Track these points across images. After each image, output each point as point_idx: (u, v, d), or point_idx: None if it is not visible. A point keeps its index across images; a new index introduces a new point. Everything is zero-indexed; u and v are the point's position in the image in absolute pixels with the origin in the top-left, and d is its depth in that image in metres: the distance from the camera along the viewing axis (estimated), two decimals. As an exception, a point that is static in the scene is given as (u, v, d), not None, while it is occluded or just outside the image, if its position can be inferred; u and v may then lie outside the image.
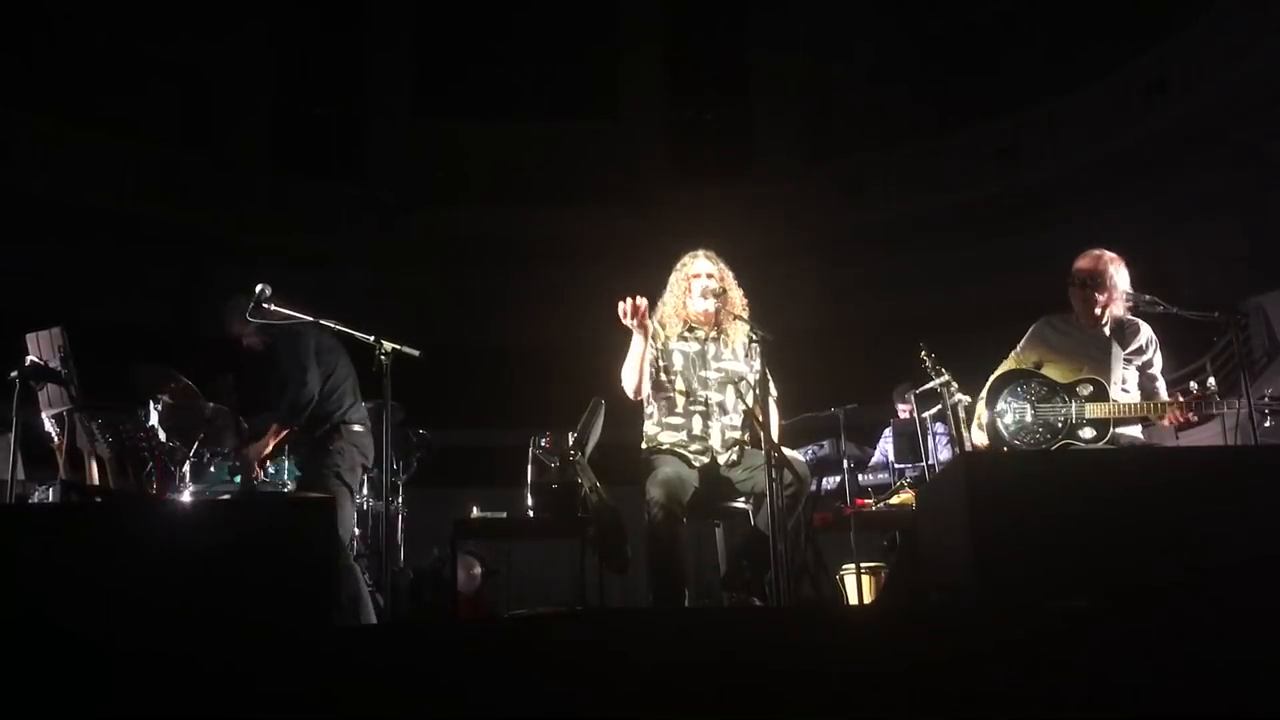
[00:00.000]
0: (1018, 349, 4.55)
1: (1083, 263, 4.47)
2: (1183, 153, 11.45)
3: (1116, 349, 4.39)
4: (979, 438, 4.45)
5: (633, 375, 4.28)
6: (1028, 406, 4.30)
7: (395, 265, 13.34)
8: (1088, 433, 4.24)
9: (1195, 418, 4.29)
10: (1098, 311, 4.42)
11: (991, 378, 4.43)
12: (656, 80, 14.82)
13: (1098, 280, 4.40)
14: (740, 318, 4.34)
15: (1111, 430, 4.24)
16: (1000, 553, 3.00)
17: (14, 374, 4.63)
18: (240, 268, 9.96)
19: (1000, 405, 4.34)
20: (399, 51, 14.63)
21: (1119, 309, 4.44)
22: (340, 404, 4.73)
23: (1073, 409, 4.25)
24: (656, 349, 4.39)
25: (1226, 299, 7.48)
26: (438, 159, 14.01)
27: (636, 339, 4.24)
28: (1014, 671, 2.68)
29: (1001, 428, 4.31)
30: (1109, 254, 4.47)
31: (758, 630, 3.01)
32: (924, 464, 6.01)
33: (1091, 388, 4.29)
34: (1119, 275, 4.42)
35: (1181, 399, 4.25)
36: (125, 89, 13.08)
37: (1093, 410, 4.24)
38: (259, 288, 4.48)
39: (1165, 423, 4.33)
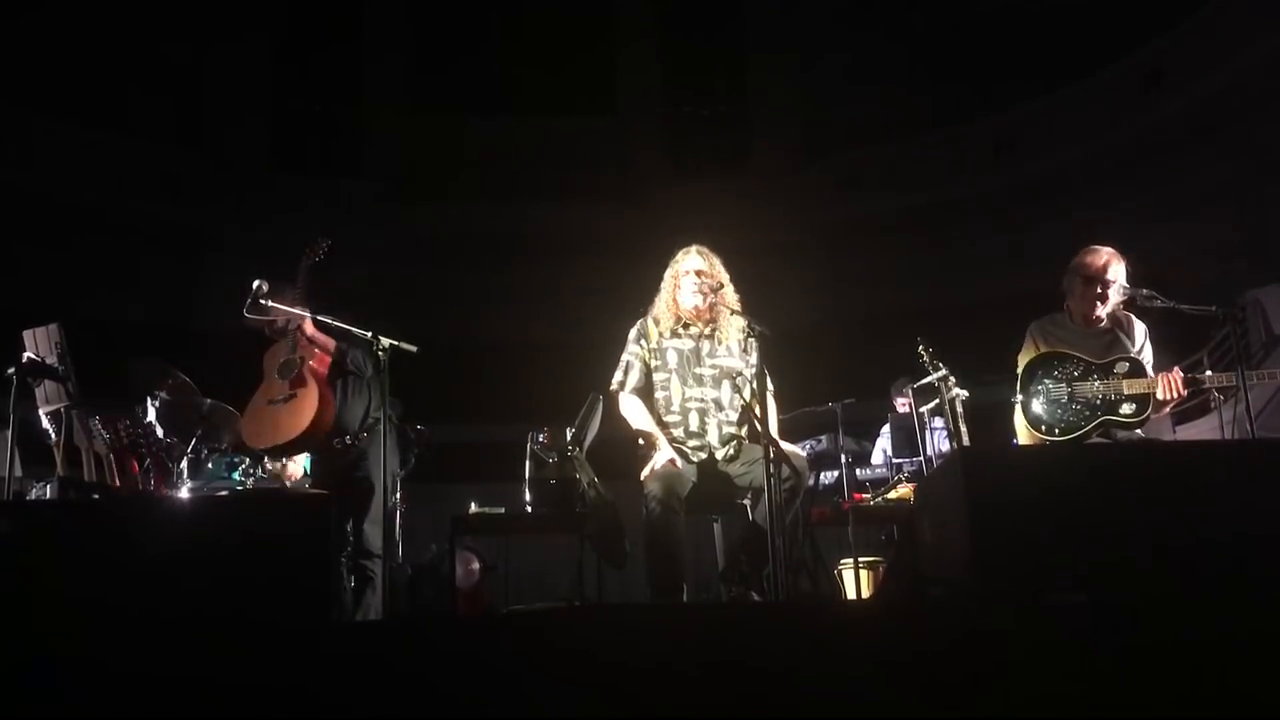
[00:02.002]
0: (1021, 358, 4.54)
1: (1092, 260, 4.44)
2: (1180, 146, 11.45)
3: (1127, 344, 4.39)
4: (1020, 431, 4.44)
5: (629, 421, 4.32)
6: (1064, 386, 4.30)
7: (392, 261, 13.33)
8: (1127, 408, 4.24)
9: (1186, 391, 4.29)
10: (1100, 312, 4.42)
11: (1022, 366, 4.40)
12: (654, 76, 14.81)
13: (1107, 279, 4.39)
14: (737, 313, 4.34)
15: (1151, 405, 4.22)
16: (998, 547, 3.01)
17: (11, 370, 4.63)
18: (237, 263, 9.95)
19: (1035, 388, 4.33)
20: (396, 46, 14.60)
21: (1113, 306, 4.46)
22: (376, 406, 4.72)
23: (1110, 385, 4.26)
24: (649, 349, 4.40)
25: (1223, 293, 7.47)
26: (434, 154, 14.00)
27: (661, 456, 4.21)
28: (1012, 666, 2.68)
29: (1040, 411, 4.30)
30: (1114, 251, 4.47)
31: (756, 625, 3.02)
32: (922, 458, 6.01)
33: (1128, 365, 4.29)
34: (1123, 274, 4.43)
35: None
36: (121, 84, 13.05)
37: (1132, 386, 4.25)
38: (256, 284, 4.47)
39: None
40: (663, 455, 4.13)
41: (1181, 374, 4.25)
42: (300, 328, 4.54)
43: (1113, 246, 4.50)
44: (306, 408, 4.42)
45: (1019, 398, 4.35)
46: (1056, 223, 11.33)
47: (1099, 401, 4.26)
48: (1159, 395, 4.23)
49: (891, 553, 5.74)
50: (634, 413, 4.34)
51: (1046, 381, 4.33)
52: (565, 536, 5.00)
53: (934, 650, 2.72)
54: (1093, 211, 11.24)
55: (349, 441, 4.64)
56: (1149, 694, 2.63)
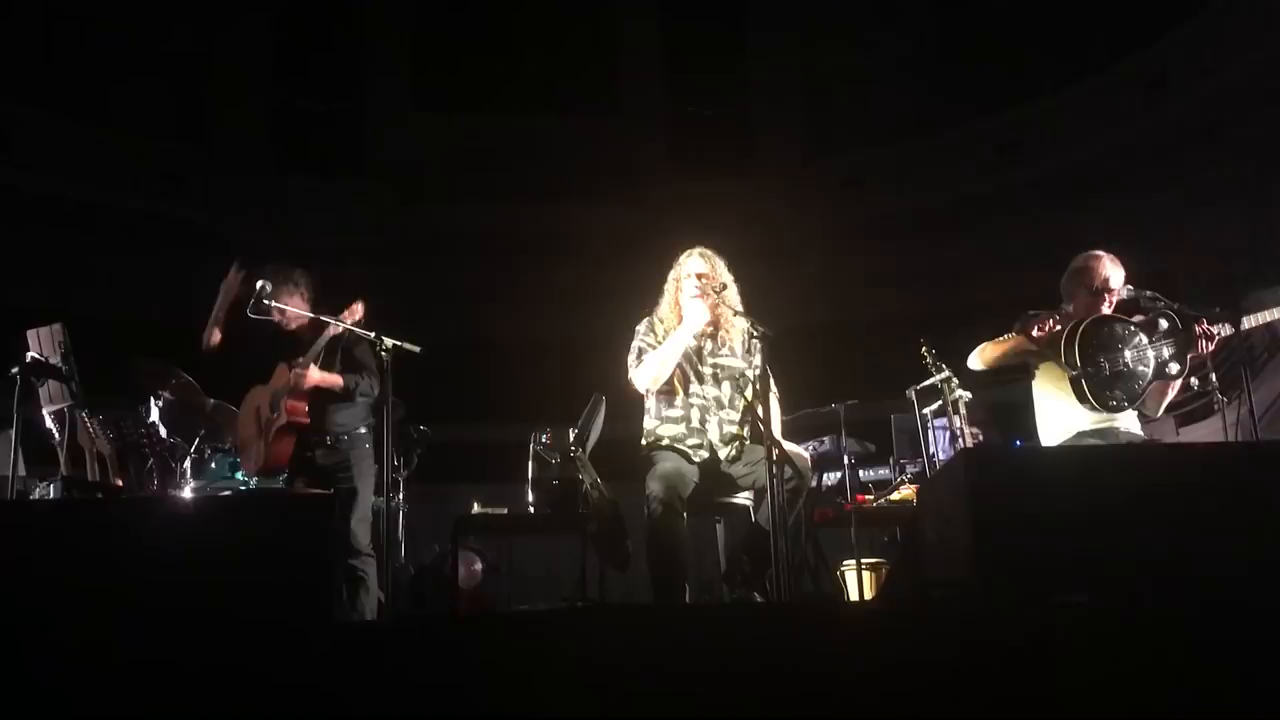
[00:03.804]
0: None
1: (1096, 267, 4.43)
2: (1184, 147, 11.44)
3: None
4: (1062, 413, 4.38)
5: (667, 367, 4.29)
6: (1121, 354, 4.26)
7: (394, 260, 13.33)
8: (1174, 367, 4.29)
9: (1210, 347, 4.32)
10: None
11: (1073, 339, 4.28)
12: (656, 74, 14.80)
13: (1111, 288, 4.40)
14: (740, 314, 4.34)
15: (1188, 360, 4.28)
16: (1001, 548, 3.00)
17: (14, 370, 4.63)
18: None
19: (1102, 360, 4.25)
20: (397, 45, 14.61)
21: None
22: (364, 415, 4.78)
23: (1162, 345, 4.28)
24: (657, 341, 4.41)
25: (1227, 294, 7.47)
26: (436, 154, 14.00)
27: (687, 331, 4.25)
28: (1015, 667, 2.68)
29: (1106, 385, 4.24)
30: (1113, 256, 4.48)
31: (758, 626, 3.01)
32: (924, 459, 6.00)
33: (1166, 321, 4.31)
34: (1122, 278, 4.45)
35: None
36: (122, 82, 13.07)
37: (1174, 343, 4.27)
38: (259, 284, 4.48)
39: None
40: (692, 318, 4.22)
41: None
42: (305, 376, 4.56)
43: (1106, 249, 4.51)
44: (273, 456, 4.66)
45: (1077, 369, 4.23)
46: (1061, 223, 11.31)
47: (1152, 364, 4.27)
48: (1196, 349, 4.26)
49: (894, 554, 5.73)
50: (650, 358, 4.33)
51: (1107, 353, 4.26)
52: (568, 537, 5.01)
53: (937, 652, 2.72)
54: (1098, 212, 11.23)
55: (329, 442, 4.67)
56: (1153, 695, 2.62)
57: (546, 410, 5.77)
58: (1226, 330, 4.31)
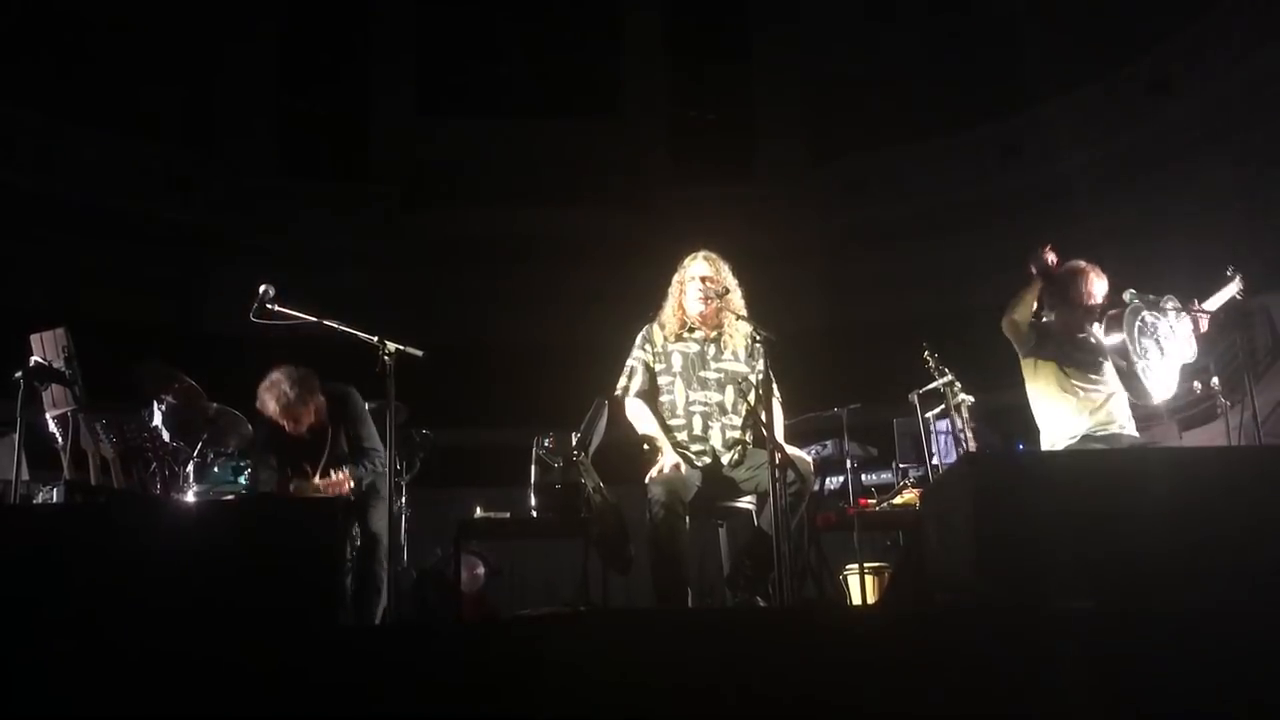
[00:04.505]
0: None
1: (1084, 285, 4.48)
2: (1186, 151, 11.44)
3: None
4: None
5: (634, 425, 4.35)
6: (1160, 334, 4.31)
7: (398, 263, 13.35)
8: (1188, 352, 4.41)
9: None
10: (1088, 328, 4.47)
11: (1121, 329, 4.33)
12: (659, 79, 14.82)
13: (1097, 301, 4.43)
14: (742, 318, 4.34)
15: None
16: (1005, 553, 3.00)
17: (18, 374, 4.63)
18: (243, 267, 9.96)
19: (1144, 342, 4.29)
20: (401, 50, 14.65)
21: None
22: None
23: (1183, 321, 4.36)
24: (654, 353, 4.41)
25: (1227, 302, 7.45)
26: (440, 158, 14.02)
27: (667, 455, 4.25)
28: (1019, 672, 2.67)
29: (1157, 366, 4.27)
30: (1096, 268, 4.54)
31: (760, 630, 3.01)
32: (927, 463, 5.99)
33: (1172, 309, 4.35)
34: (1105, 289, 4.49)
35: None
36: (129, 87, 13.09)
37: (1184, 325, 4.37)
38: (263, 288, 4.47)
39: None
40: (668, 460, 4.13)
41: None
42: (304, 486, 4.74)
43: (1107, 251, 4.56)
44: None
45: (1134, 361, 4.24)
46: (1063, 227, 11.30)
47: (1178, 348, 4.33)
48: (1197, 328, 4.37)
49: (897, 558, 5.73)
50: (639, 417, 4.35)
51: (1150, 340, 4.29)
52: (570, 541, 4.99)
53: (940, 656, 2.72)
54: (1098, 216, 11.23)
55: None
56: (1156, 699, 2.62)
57: (549, 414, 5.76)
58: (1213, 305, 4.40)
